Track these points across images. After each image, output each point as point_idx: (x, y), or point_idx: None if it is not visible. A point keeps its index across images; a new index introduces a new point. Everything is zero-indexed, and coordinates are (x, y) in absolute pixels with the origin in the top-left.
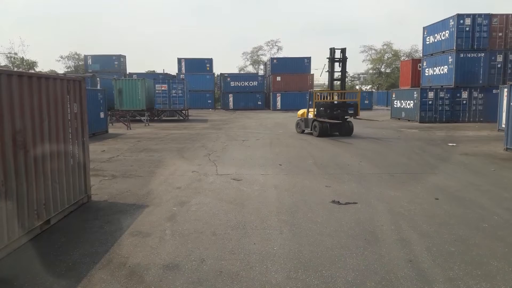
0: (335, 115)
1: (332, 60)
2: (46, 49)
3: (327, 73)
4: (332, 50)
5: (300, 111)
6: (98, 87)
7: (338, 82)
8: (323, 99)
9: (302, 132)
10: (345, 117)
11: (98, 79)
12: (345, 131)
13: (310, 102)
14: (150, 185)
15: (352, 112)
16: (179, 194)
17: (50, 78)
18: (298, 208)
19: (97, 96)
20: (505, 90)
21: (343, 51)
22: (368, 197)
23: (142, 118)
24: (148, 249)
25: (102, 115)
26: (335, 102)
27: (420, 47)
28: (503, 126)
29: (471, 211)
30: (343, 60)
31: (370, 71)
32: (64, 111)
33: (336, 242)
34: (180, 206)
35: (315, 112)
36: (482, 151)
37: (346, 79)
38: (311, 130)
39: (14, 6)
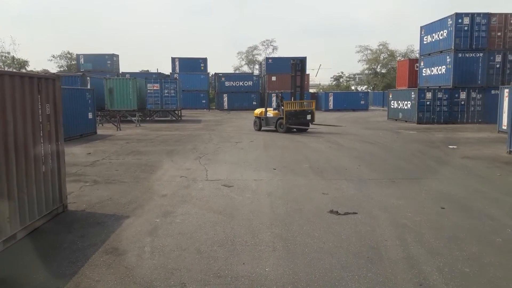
0: (299, 121)
1: (295, 70)
2: (39, 48)
3: (291, 77)
4: (295, 62)
5: (257, 110)
6: (89, 87)
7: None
8: (290, 107)
9: (259, 129)
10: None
11: (88, 78)
12: (303, 129)
13: (276, 103)
14: (133, 192)
15: (310, 118)
16: (164, 203)
17: (15, 76)
18: (293, 220)
19: (85, 96)
20: (506, 91)
21: (301, 62)
22: (368, 206)
23: (133, 118)
24: (122, 271)
25: (90, 115)
26: (298, 110)
27: (416, 47)
28: (504, 127)
29: (481, 222)
30: (301, 70)
31: (366, 72)
32: (34, 113)
33: (335, 261)
34: (164, 217)
35: (285, 120)
36: (484, 154)
37: (342, 79)
38: (275, 128)
39: (7, 5)
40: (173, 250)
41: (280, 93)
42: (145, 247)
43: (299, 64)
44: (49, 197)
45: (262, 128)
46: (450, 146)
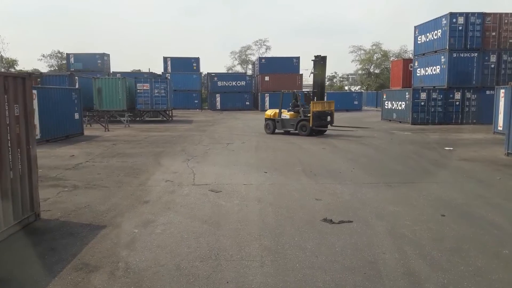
0: (320, 123)
1: (319, 68)
2: (31, 47)
3: (314, 75)
4: (318, 58)
5: (270, 112)
6: (77, 86)
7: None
8: (315, 107)
9: (273, 132)
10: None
11: (76, 78)
12: (323, 131)
13: (290, 103)
14: (113, 199)
15: (329, 120)
16: (145, 211)
17: None
18: (284, 229)
19: (71, 96)
20: (502, 91)
21: (323, 58)
22: (364, 213)
23: (122, 119)
24: None
25: (76, 116)
26: (320, 111)
27: (409, 47)
28: (500, 128)
29: (485, 232)
30: (323, 68)
31: (359, 72)
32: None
33: (329, 278)
34: (143, 227)
35: (312, 122)
36: (482, 156)
37: (335, 80)
38: (295, 130)
39: None
40: (150, 267)
41: (299, 93)
42: (119, 263)
43: (321, 61)
44: (17, 205)
45: (276, 131)
46: (446, 148)
